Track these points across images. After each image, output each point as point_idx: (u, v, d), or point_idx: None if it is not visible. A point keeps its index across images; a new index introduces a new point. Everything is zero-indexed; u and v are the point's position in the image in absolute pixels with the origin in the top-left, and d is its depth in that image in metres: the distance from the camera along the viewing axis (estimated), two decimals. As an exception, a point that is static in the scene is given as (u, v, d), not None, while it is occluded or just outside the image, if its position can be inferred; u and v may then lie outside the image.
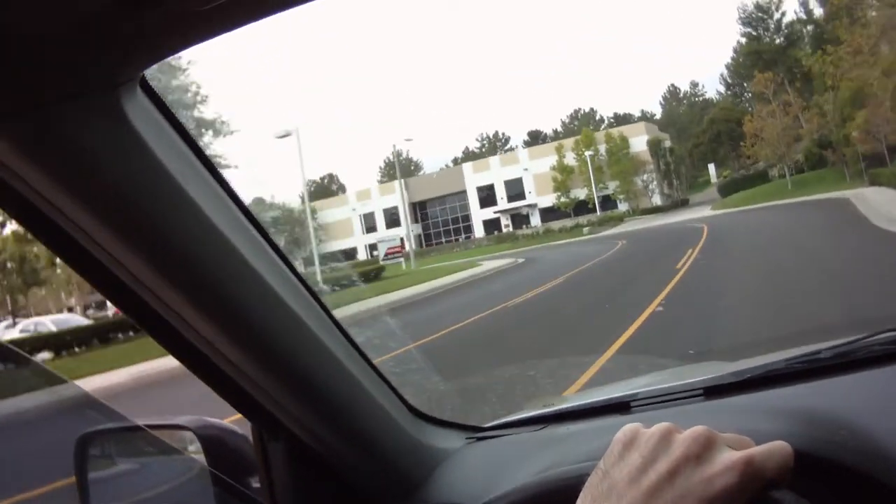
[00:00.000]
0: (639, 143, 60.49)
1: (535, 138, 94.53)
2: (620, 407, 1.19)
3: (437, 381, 5.68)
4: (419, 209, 70.88)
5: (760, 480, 0.61)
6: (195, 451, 1.25)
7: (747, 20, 66.42)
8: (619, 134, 62.19)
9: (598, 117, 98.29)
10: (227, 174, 0.85)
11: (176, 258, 0.79)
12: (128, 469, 1.60)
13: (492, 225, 66.10)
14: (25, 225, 0.76)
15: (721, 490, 0.60)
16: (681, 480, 0.61)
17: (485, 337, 11.49)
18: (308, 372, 0.98)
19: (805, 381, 1.01)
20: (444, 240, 69.10)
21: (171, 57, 0.68)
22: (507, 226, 64.86)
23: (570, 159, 61.73)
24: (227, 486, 1.19)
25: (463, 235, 68.08)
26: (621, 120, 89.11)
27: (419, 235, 69.62)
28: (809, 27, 61.83)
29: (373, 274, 33.44)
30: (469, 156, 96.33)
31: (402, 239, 48.47)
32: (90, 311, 38.74)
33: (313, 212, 64.35)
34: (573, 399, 1.43)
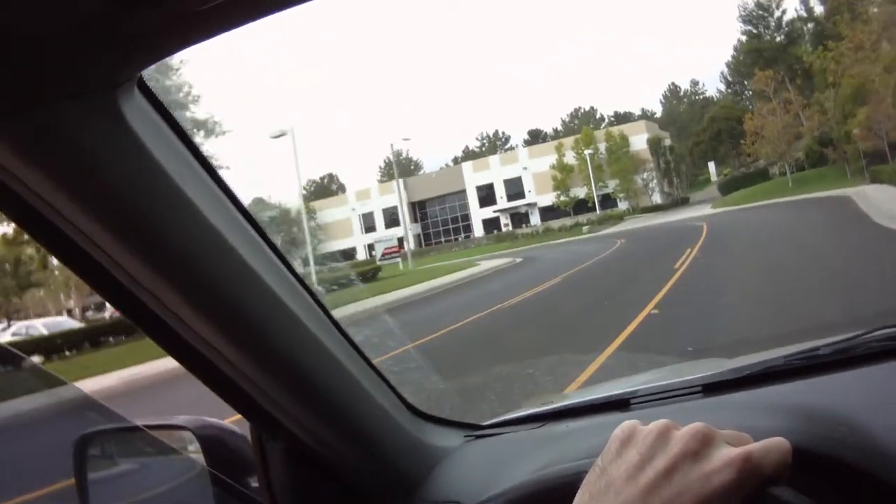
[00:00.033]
0: (639, 141, 60.46)
1: (536, 137, 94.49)
2: (619, 404, 1.18)
3: (436, 381, 5.69)
4: (419, 209, 70.86)
5: (759, 477, 0.61)
6: (194, 451, 1.25)
7: (748, 18, 66.52)
8: (619, 132, 62.15)
9: (598, 116, 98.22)
10: (224, 174, 0.85)
11: (174, 258, 0.79)
12: (127, 469, 1.60)
13: (491, 224, 66.07)
14: (23, 226, 0.76)
15: (719, 487, 0.60)
16: (678, 477, 0.61)
17: (479, 339, 11.41)
18: (306, 371, 0.98)
19: (804, 377, 1.01)
20: (443, 239, 69.05)
21: (167, 57, 0.68)
22: (506, 225, 64.83)
23: (570, 158, 61.71)
24: (226, 486, 1.19)
25: (462, 235, 68.04)
26: (622, 118, 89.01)
27: (419, 235, 69.61)
28: (810, 25, 61.82)
29: (369, 274, 33.32)
30: (469, 155, 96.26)
31: (399, 239, 48.45)
32: (89, 313, 38.71)
33: (312, 212, 64.37)
34: (572, 396, 1.43)
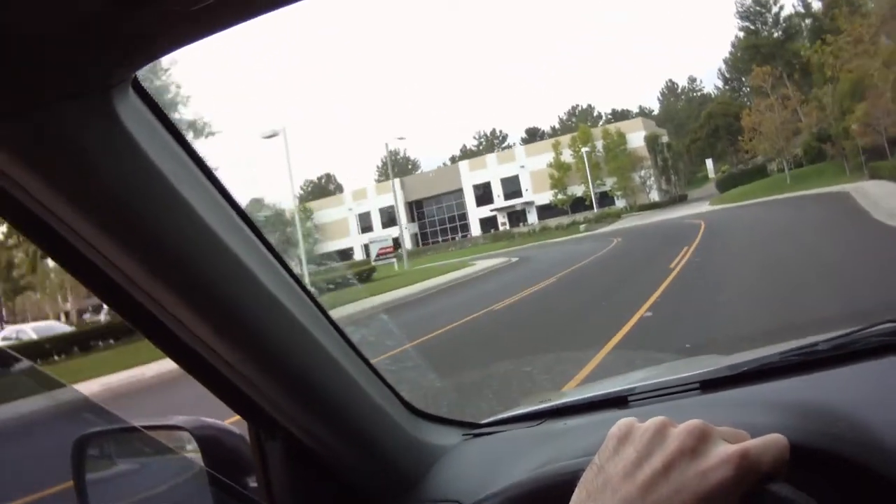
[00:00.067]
0: (636, 138, 60.43)
1: (533, 136, 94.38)
2: (617, 401, 1.19)
3: (433, 379, 5.68)
4: (415, 208, 70.78)
5: (756, 474, 0.61)
6: (192, 451, 1.25)
7: (745, 14, 66.54)
8: (616, 130, 62.11)
9: (595, 114, 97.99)
10: (219, 175, 0.85)
11: (170, 259, 0.79)
12: (125, 470, 1.60)
13: (488, 223, 65.98)
14: (20, 228, 0.76)
15: (716, 483, 0.59)
16: (676, 474, 0.60)
17: (470, 342, 11.32)
18: (304, 371, 0.98)
19: (801, 373, 1.02)
20: (440, 239, 68.95)
21: (162, 57, 0.68)
22: (503, 224, 64.74)
23: (568, 156, 61.67)
24: (225, 486, 1.19)
25: (460, 234, 67.96)
26: (619, 116, 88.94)
27: (415, 234, 69.53)
28: (808, 21, 61.83)
29: (363, 275, 33.07)
30: (467, 154, 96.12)
31: (394, 239, 48.32)
32: (86, 315, 38.65)
33: (309, 212, 64.35)
34: (570, 394, 1.43)
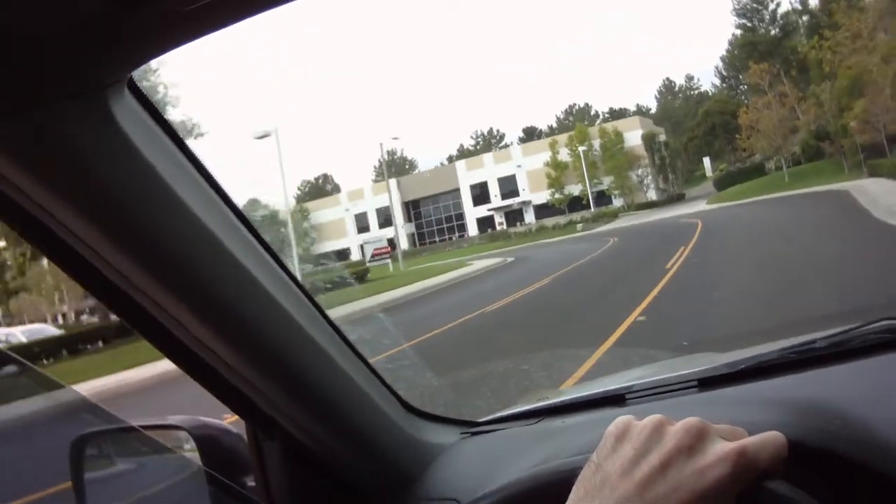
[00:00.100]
0: (633, 137, 60.49)
1: (530, 135, 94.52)
2: (615, 399, 1.19)
3: (431, 377, 5.67)
4: (412, 208, 70.75)
5: (753, 471, 0.61)
6: (190, 450, 1.25)
7: (742, 12, 66.65)
8: (614, 128, 62.19)
9: (593, 112, 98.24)
10: (215, 175, 0.85)
11: (167, 259, 0.79)
12: (123, 470, 1.59)
13: (486, 223, 65.98)
14: (17, 229, 0.76)
15: (714, 481, 0.59)
16: (673, 472, 0.61)
17: (465, 342, 11.25)
18: (301, 370, 0.98)
19: (799, 371, 1.02)
20: (437, 238, 68.95)
21: (159, 56, 0.68)
22: (500, 223, 64.74)
23: (565, 155, 61.69)
24: (223, 486, 1.18)
25: (457, 234, 67.97)
26: (616, 114, 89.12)
27: (412, 234, 69.54)
28: (805, 17, 61.89)
29: (356, 276, 32.87)
30: (464, 153, 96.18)
31: (389, 240, 48.20)
32: (84, 317, 38.60)
33: (306, 212, 64.30)
34: (568, 392, 1.43)
